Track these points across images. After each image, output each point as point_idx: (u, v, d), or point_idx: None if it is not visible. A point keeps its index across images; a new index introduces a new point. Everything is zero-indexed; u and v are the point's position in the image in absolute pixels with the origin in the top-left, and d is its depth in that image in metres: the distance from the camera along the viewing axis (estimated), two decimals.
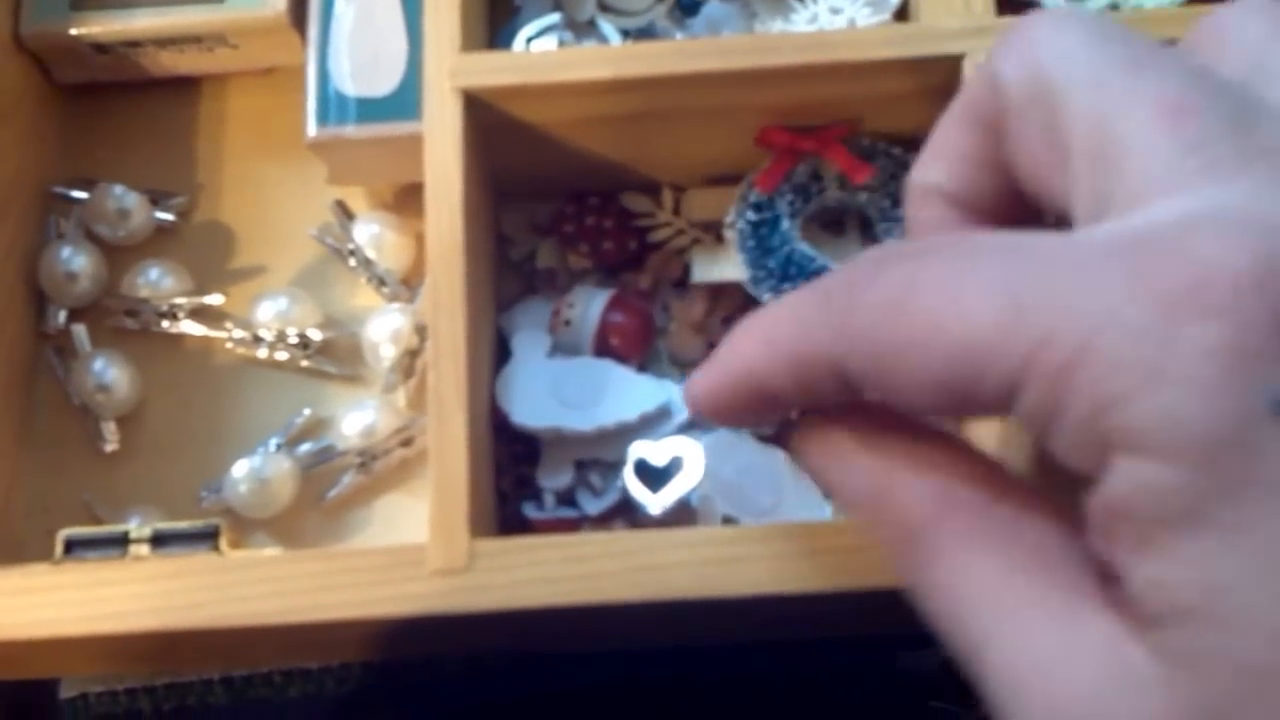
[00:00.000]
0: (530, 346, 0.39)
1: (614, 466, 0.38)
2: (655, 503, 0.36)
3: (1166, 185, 0.20)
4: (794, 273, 0.37)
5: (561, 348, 0.38)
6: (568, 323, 0.39)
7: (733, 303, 0.40)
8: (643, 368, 0.40)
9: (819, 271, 0.37)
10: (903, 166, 0.38)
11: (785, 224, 0.38)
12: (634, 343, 0.40)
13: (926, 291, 0.21)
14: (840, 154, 0.38)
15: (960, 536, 0.22)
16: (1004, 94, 0.23)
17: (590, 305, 0.39)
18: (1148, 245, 0.19)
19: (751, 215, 0.38)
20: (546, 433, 0.37)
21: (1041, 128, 0.23)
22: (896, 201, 0.38)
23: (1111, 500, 0.19)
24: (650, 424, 0.38)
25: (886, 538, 0.23)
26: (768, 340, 0.24)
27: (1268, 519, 0.18)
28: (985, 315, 0.20)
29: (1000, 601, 0.21)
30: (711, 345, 0.40)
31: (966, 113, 0.25)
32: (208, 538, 0.33)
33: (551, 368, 0.38)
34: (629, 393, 0.37)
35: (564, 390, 0.37)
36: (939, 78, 0.36)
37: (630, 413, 0.37)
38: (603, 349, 0.39)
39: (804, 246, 0.38)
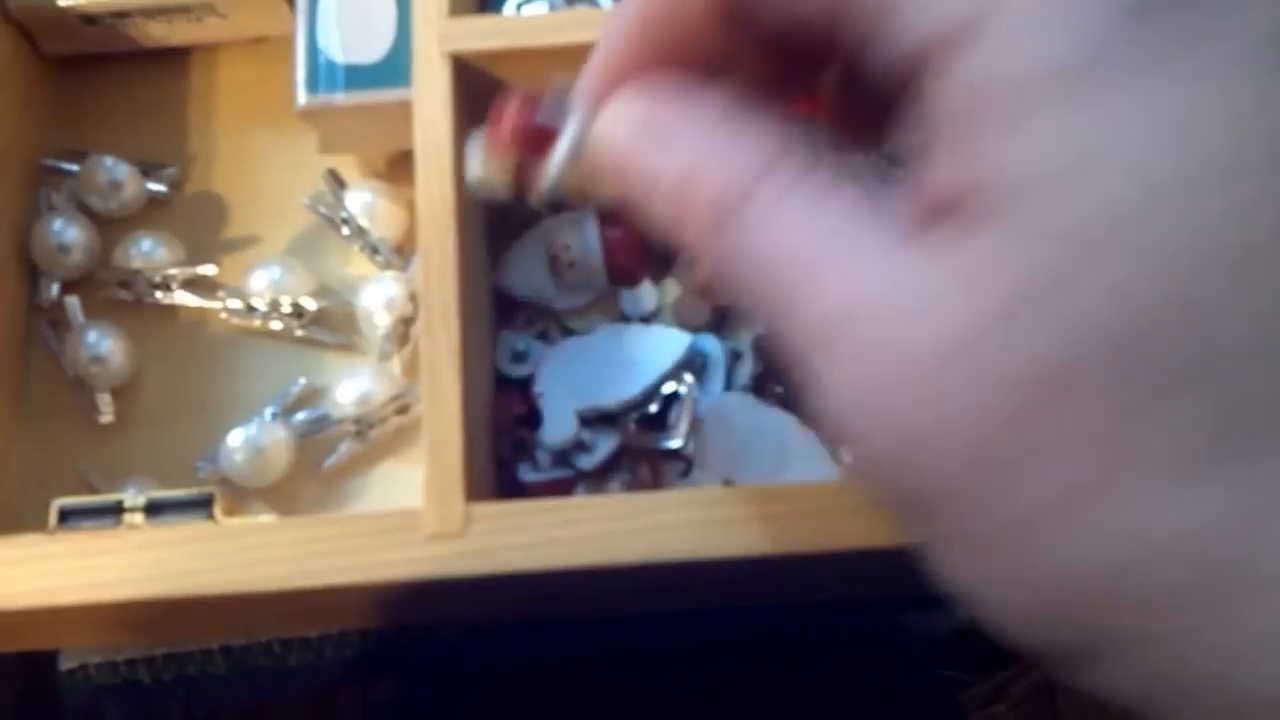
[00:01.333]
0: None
1: (609, 419, 0.38)
2: (672, 438, 0.36)
3: None
4: None
5: (571, 289, 0.38)
6: (571, 264, 0.38)
7: None
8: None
9: None
10: None
11: None
12: (637, 252, 0.39)
13: None
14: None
15: (782, 197, 0.21)
16: None
17: (586, 233, 0.39)
18: None
19: None
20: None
21: None
22: (894, 162, 0.38)
23: (983, 77, 0.19)
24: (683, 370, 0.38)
25: (688, 217, 0.22)
26: None
27: (1147, 82, 0.18)
28: None
29: (822, 249, 0.21)
30: (716, 309, 0.40)
31: None
32: (202, 506, 0.33)
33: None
34: (654, 347, 0.37)
35: (592, 366, 0.37)
36: None
37: (664, 365, 0.38)
38: (615, 270, 0.38)
39: None
